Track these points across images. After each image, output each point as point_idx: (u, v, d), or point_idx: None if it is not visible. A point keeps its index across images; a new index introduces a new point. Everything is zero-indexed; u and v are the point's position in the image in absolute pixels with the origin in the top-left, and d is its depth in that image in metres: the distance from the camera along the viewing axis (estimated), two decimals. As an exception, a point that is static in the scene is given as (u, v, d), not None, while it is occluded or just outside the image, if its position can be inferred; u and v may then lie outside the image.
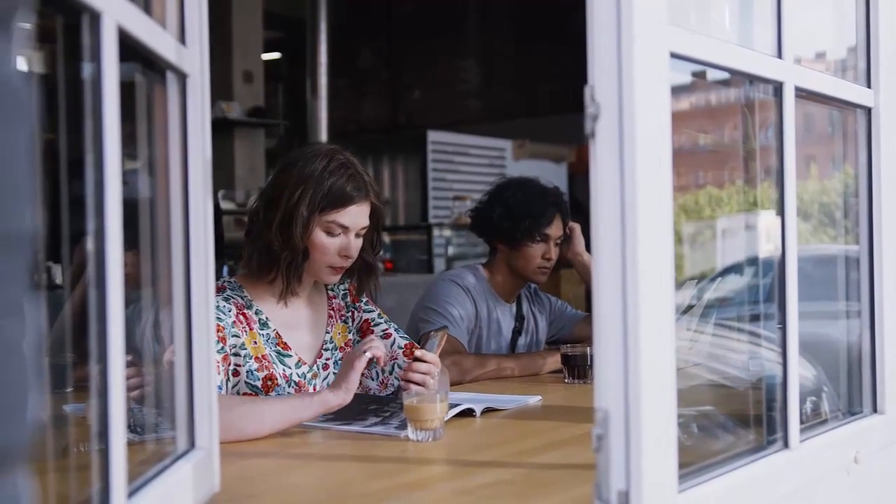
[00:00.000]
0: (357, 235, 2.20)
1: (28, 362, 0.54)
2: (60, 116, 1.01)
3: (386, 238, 7.54)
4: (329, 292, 2.37)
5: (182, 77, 1.31)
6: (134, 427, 1.30)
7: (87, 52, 0.97)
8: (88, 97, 0.97)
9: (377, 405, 2.10)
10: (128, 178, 1.09)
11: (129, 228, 1.02)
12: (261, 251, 2.17)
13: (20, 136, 0.54)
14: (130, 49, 1.08)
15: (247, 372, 2.12)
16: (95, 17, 0.96)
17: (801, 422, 1.52)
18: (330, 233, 2.16)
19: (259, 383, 2.12)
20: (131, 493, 1.05)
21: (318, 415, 1.95)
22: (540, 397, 2.34)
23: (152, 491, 1.13)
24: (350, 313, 2.37)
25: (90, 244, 0.97)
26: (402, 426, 1.90)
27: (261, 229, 2.17)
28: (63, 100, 1.02)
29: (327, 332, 2.31)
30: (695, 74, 1.42)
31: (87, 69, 0.97)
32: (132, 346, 1.11)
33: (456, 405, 2.05)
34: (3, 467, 0.52)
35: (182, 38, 1.31)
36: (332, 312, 2.35)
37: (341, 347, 2.32)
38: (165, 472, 1.21)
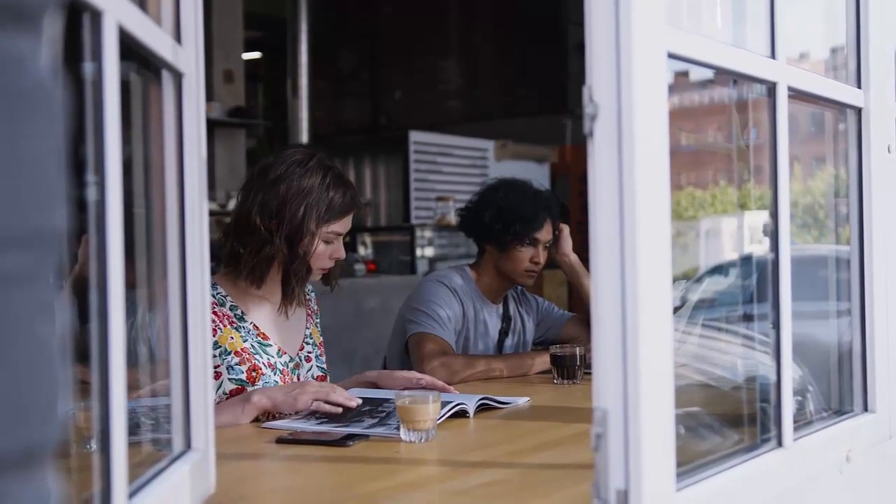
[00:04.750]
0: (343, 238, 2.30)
1: (58, 361, 0.54)
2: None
3: (368, 239, 7.52)
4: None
5: (178, 76, 1.30)
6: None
7: (88, 51, 0.96)
8: (88, 96, 0.96)
9: (370, 406, 2.09)
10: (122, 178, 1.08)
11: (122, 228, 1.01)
12: (262, 261, 2.21)
13: (52, 135, 0.53)
14: (127, 47, 1.07)
15: (227, 368, 2.15)
16: (97, 16, 0.95)
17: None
18: (328, 241, 2.25)
19: (244, 376, 2.15)
20: (131, 495, 1.04)
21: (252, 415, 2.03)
22: (528, 398, 2.34)
23: (151, 492, 1.12)
24: (318, 320, 2.48)
25: (91, 244, 0.96)
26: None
27: (260, 240, 2.19)
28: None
29: (307, 328, 2.39)
30: (677, 73, 1.42)
31: (87, 68, 0.96)
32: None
33: (450, 403, 2.05)
34: (35, 466, 0.51)
35: (178, 37, 1.30)
36: (309, 311, 2.43)
37: (319, 344, 2.42)
38: (163, 473, 1.20)
